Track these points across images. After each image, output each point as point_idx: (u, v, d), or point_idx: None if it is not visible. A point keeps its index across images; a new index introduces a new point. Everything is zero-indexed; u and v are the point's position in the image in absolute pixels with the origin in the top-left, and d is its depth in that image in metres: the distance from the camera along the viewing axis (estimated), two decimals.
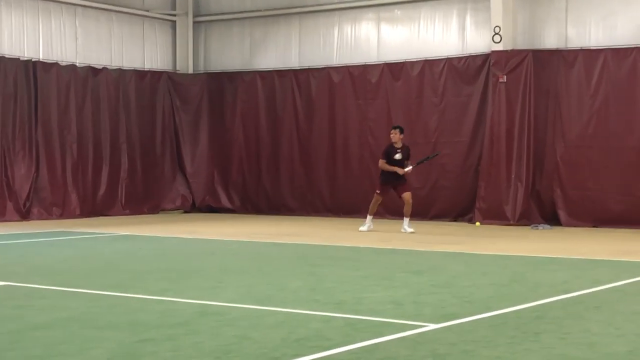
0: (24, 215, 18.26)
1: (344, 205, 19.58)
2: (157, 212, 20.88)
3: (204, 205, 21.39)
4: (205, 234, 15.08)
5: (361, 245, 13.15)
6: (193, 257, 11.72)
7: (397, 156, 15.46)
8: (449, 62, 18.32)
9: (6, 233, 15.31)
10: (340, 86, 19.65)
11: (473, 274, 9.79)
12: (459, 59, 18.23)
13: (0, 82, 18.14)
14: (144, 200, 20.77)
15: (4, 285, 8.73)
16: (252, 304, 7.53)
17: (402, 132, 15.58)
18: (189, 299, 7.79)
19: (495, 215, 17.27)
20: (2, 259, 11.29)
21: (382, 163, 15.63)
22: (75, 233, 15.38)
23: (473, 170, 17.98)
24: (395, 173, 15.39)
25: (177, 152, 21.44)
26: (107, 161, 20.05)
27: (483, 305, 7.53)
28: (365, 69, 19.33)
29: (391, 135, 15.62)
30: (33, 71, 18.64)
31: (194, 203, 21.42)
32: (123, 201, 20.33)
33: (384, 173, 15.62)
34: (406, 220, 15.57)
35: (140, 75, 20.75)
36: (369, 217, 15.85)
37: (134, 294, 8.11)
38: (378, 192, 15.79)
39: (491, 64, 17.60)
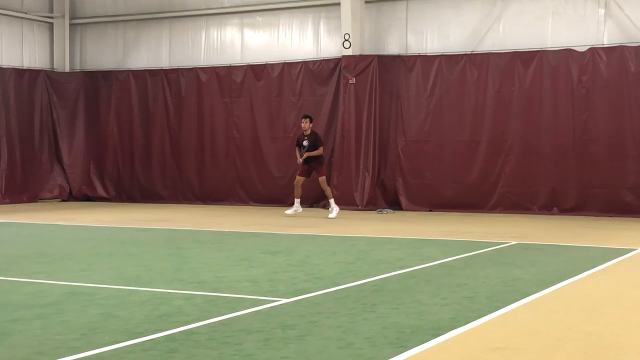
0: None
1: (211, 193, 19.43)
2: (36, 201, 20.18)
3: (80, 195, 20.78)
4: (80, 221, 14.64)
5: (225, 230, 13.07)
6: (67, 242, 11.35)
7: (305, 143, 15.49)
8: (305, 64, 18.43)
9: None
10: (208, 85, 19.46)
11: (324, 253, 9.89)
12: (314, 62, 18.36)
13: None
14: (23, 189, 20.02)
15: None
16: (120, 285, 7.36)
17: (311, 121, 15.56)
18: (59, 281, 7.54)
19: (346, 201, 17.52)
20: None
21: (296, 149, 15.81)
22: None
23: (327, 161, 18.15)
24: (309, 157, 15.36)
25: (55, 145, 20.76)
26: None
27: (330, 281, 7.62)
28: (230, 69, 19.22)
29: (301, 124, 15.65)
30: None
31: (71, 192, 20.79)
32: (3, 190, 19.52)
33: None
34: (332, 202, 15.50)
35: (20, 73, 19.94)
36: (296, 201, 15.81)
37: (7, 277, 7.79)
38: (298, 173, 15.86)
39: (342, 67, 17.81)
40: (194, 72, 19.59)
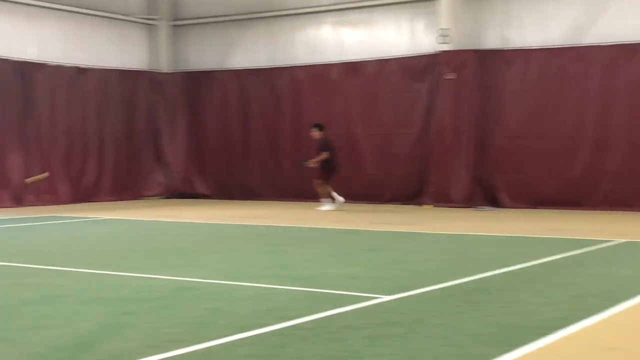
0: (18, 201, 18.00)
1: (307, 190, 19.48)
2: (139, 199, 20.69)
3: (181, 192, 21.22)
4: (182, 218, 14.97)
5: (323, 227, 13.12)
6: (171, 238, 11.61)
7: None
8: (400, 61, 18.32)
9: (2, 218, 15.08)
10: (304, 83, 19.55)
11: (423, 250, 9.81)
12: (410, 58, 18.22)
13: None
14: (127, 187, 20.56)
15: (0, 265, 8.61)
16: (224, 280, 7.49)
17: (320, 129, 16.90)
18: (166, 276, 7.72)
19: (443, 199, 17.32)
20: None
21: None
22: (65, 217, 15.19)
23: (423, 159, 18.00)
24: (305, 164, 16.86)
25: (157, 144, 21.24)
26: (94, 153, 19.81)
27: (432, 278, 7.54)
28: (326, 67, 19.27)
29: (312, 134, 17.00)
30: (25, 71, 18.32)
31: (172, 190, 21.24)
32: (108, 188, 20.13)
33: None
34: (323, 200, 16.77)
35: (123, 74, 20.47)
36: (334, 195, 16.64)
37: (116, 272, 8.03)
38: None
39: (438, 62, 17.62)
40: (291, 71, 19.73)
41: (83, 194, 19.53)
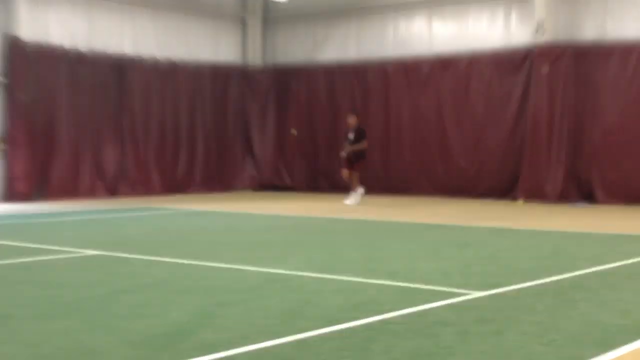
0: (113, 192, 18.55)
1: (396, 184, 19.46)
2: (229, 190, 21.02)
3: (269, 184, 21.47)
4: (271, 210, 15.14)
5: (414, 221, 13.06)
6: (260, 230, 11.76)
7: (350, 136, 16.71)
8: (494, 54, 18.02)
9: (97, 208, 15.56)
10: (394, 78, 19.45)
11: (515, 247, 9.66)
12: (504, 51, 17.91)
13: (93, 75, 18.36)
14: (218, 179, 20.91)
15: (95, 254, 8.87)
16: (314, 272, 7.53)
17: (357, 116, 16.85)
18: (257, 267, 7.82)
19: (536, 194, 16.98)
20: (94, 231, 11.50)
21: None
22: (157, 209, 15.57)
23: (516, 153, 17.68)
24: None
25: (247, 136, 21.55)
26: (185, 145, 20.24)
27: (526, 275, 7.42)
28: (417, 61, 19.13)
29: (348, 120, 16.89)
30: (122, 65, 18.87)
31: (261, 182, 21.51)
32: (199, 180, 20.52)
33: None
34: (353, 193, 16.61)
35: (215, 69, 20.82)
36: (359, 189, 16.56)
37: (208, 262, 8.18)
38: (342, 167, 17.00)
39: (534, 56, 17.25)
40: (381, 65, 19.67)
41: (175, 186, 19.98)
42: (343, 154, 16.59)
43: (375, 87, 19.79)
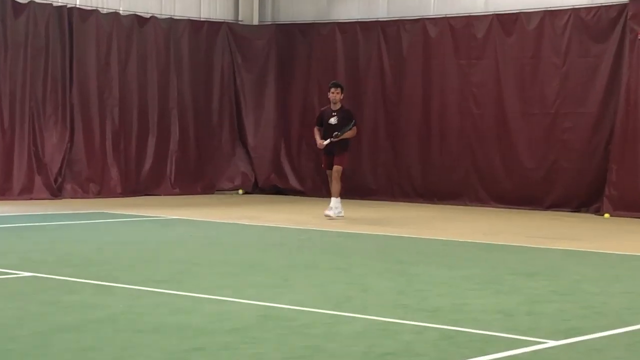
0: (55, 192, 18.58)
1: (439, 188, 19.40)
2: (213, 192, 21.04)
3: (268, 186, 21.44)
4: (269, 221, 15.11)
5: (460, 239, 13.01)
6: (254, 247, 11.74)
7: (332, 120, 15.37)
8: (575, 13, 17.93)
9: (34, 213, 15.56)
10: (438, 42, 19.43)
11: (602, 278, 9.63)
12: (588, 9, 17.81)
13: (29, 32, 18.41)
14: (197, 177, 20.96)
15: (30, 276, 8.84)
16: (326, 308, 7.47)
17: (342, 91, 15.61)
18: (248, 300, 7.77)
19: (630, 206, 16.88)
20: (29, 244, 11.48)
21: (315, 130, 15.79)
22: (115, 215, 15.55)
23: (602, 149, 17.57)
24: (330, 142, 15.30)
25: (238, 120, 21.55)
26: (154, 130, 20.31)
27: (615, 318, 7.37)
28: (469, 21, 19.07)
29: (329, 95, 15.55)
30: (68, 19, 18.92)
31: (256, 182, 21.52)
32: (172, 178, 20.57)
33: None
34: (333, 200, 15.42)
35: (196, 26, 20.88)
36: (333, 200, 15.46)
37: (182, 291, 8.13)
38: (323, 166, 16.09)
39: (628, 16, 17.16)
40: (420, 25, 19.62)
41: (139, 185, 20.05)
42: (322, 142, 15.37)
43: (412, 56, 19.76)
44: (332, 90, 15.46)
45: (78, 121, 19.12)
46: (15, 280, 8.67)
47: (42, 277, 8.80)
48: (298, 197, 20.67)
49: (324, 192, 20.81)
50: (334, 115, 15.38)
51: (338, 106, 15.44)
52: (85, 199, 18.76)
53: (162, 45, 20.34)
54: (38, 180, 18.49)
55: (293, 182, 21.34)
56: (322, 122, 15.55)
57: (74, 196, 18.88)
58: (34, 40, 18.46)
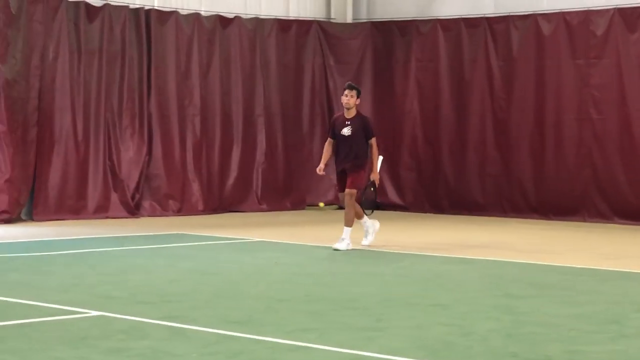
0: (133, 210, 18.68)
1: (555, 202, 19.05)
2: (303, 208, 21.04)
3: (365, 200, 21.22)
4: (372, 244, 14.84)
5: (576, 265, 12.70)
6: (346, 278, 11.57)
7: (346, 131, 13.91)
8: None
9: (107, 236, 15.61)
10: (552, 40, 19.11)
11: None
12: None
13: (104, 37, 18.58)
14: (286, 191, 20.99)
15: (97, 316, 8.76)
16: (423, 356, 7.23)
17: (359, 94, 14.03)
18: (336, 346, 7.58)
19: None
20: (99, 275, 11.45)
21: (326, 143, 14.42)
22: (195, 238, 15.53)
23: None
24: (349, 158, 13.92)
25: (331, 127, 21.26)
26: (238, 140, 20.36)
27: None
28: (587, 16, 18.71)
29: (342, 98, 14.09)
30: (146, 22, 19.08)
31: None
32: (259, 193, 20.58)
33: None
34: (345, 230, 13.91)
35: (284, 25, 20.89)
36: (346, 230, 13.92)
37: (263, 334, 7.98)
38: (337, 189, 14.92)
39: None
40: (532, 21, 19.35)
41: (221, 202, 20.10)
42: (321, 167, 14.23)
43: (523, 55, 19.48)
44: (347, 92, 13.89)
45: (156, 132, 19.21)
46: (81, 321, 8.60)
47: (110, 317, 8.71)
48: (398, 213, 20.44)
49: (426, 207, 20.69)
50: (347, 125, 13.90)
51: (353, 113, 13.91)
52: (164, 217, 18.83)
53: (247, 48, 20.39)
54: (114, 197, 18.62)
55: (392, 195, 21.17)
56: (333, 133, 14.19)
57: (153, 214, 18.96)
58: (109, 46, 18.62)
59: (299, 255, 13.74)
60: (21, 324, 8.36)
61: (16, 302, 9.35)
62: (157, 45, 19.21)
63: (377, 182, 14.23)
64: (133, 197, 18.81)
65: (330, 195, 21.36)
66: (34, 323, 8.40)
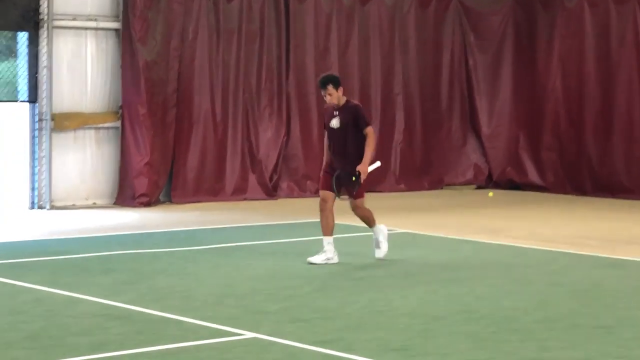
0: (270, 192, 18.66)
1: None
2: (441, 188, 20.90)
3: (504, 180, 21.14)
4: (513, 237, 14.43)
5: None
6: (496, 288, 11.08)
7: (334, 123, 11.93)
8: None
9: (249, 224, 15.46)
10: None
11: None
12: None
13: (243, 16, 18.53)
14: (424, 171, 20.89)
15: (252, 339, 8.48)
16: None
17: (336, 84, 11.85)
18: None
19: None
20: (249, 280, 11.15)
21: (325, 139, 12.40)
22: (337, 228, 15.14)
23: None
24: (344, 154, 11.94)
25: (470, 106, 21.26)
26: (376, 119, 20.12)
27: None
28: None
29: (326, 99, 12.05)
30: (285, 1, 18.96)
31: (490, 176, 21.21)
32: (397, 172, 20.46)
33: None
34: (376, 230, 12.40)
35: (423, 1, 20.64)
36: (324, 240, 12.20)
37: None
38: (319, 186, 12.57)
39: None
40: None
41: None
42: (324, 168, 12.18)
43: None
44: (323, 93, 11.95)
45: (294, 113, 19.13)
46: (236, 345, 8.33)
47: (264, 340, 8.42)
48: (538, 194, 20.05)
49: (568, 189, 20.17)
50: (335, 115, 11.93)
51: (343, 101, 11.96)
52: (302, 198, 18.73)
53: (386, 25, 20.25)
54: (252, 178, 18.64)
55: (533, 176, 20.91)
56: (325, 126, 12.29)
57: (290, 195, 18.91)
58: (248, 25, 18.61)
59: (443, 252, 13.30)
60: (177, 348, 8.16)
61: (170, 319, 9.15)
62: (295, 24, 19.15)
63: (362, 176, 11.75)
64: (271, 178, 18.77)
65: (469, 175, 21.16)
66: (190, 348, 8.19)
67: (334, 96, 11.79)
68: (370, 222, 12.28)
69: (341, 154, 11.92)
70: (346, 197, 12.09)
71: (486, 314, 9.62)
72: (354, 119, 11.90)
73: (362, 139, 11.88)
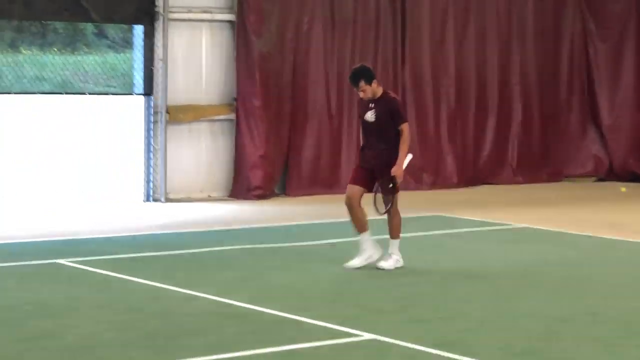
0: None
1: None
2: (560, 180, 20.43)
3: (625, 172, 20.58)
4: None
5: None
6: (624, 287, 10.66)
7: (369, 116, 11.19)
8: None
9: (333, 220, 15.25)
10: None
11: None
12: None
13: (359, 6, 18.30)
14: (543, 163, 20.39)
15: (370, 340, 8.25)
16: None
17: (369, 79, 11.10)
18: None
19: None
20: (364, 282, 10.91)
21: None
22: (453, 222, 14.93)
23: None
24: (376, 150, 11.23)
25: (590, 96, 20.76)
26: (493, 110, 19.81)
27: None
28: None
29: (361, 95, 11.33)
30: None
31: (611, 168, 20.71)
32: (514, 164, 20.09)
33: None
34: (392, 243, 11.40)
35: None
36: (361, 237, 11.40)
37: None
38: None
39: None
40: None
41: (476, 174, 19.69)
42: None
43: None
44: (357, 90, 11.28)
45: (410, 105, 18.74)
46: (354, 348, 8.14)
47: (384, 342, 8.20)
48: None
49: None
50: (371, 108, 11.18)
51: (379, 92, 11.16)
52: (418, 190, 18.42)
53: (503, 14, 19.80)
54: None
55: None
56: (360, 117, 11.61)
57: (407, 188, 18.59)
58: (364, 16, 18.31)
59: (567, 249, 12.91)
60: (294, 350, 7.99)
61: (286, 318, 8.99)
62: (411, 14, 18.78)
63: (398, 180, 11.06)
64: None
65: (589, 167, 20.71)
66: (307, 350, 8.01)
67: (368, 91, 11.06)
68: (392, 232, 11.34)
69: (373, 148, 11.24)
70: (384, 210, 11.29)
71: (613, 316, 9.28)
72: (391, 113, 11.16)
73: (396, 135, 11.09)
